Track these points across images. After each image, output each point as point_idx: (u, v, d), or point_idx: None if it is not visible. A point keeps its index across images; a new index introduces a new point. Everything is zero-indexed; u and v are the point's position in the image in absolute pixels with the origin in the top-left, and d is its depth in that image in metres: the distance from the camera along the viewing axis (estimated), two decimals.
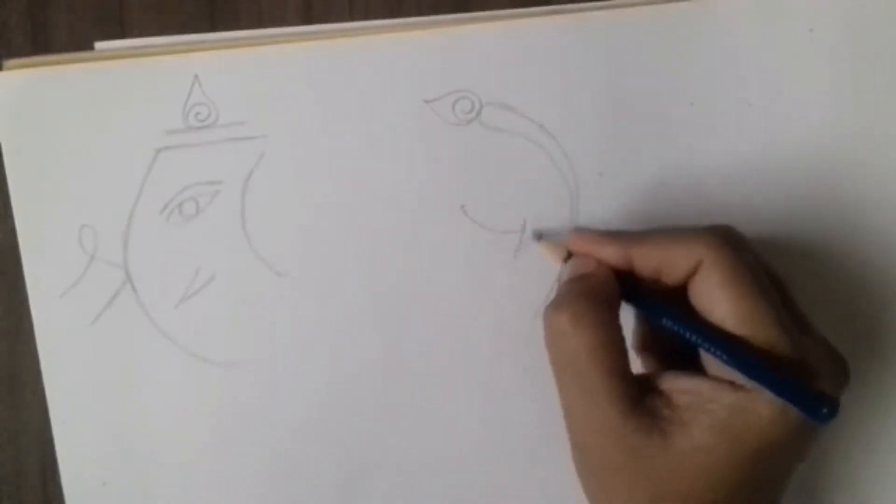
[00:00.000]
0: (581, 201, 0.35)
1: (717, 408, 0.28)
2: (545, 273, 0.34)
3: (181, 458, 0.34)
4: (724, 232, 0.30)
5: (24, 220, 0.33)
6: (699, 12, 0.35)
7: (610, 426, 0.28)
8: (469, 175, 0.34)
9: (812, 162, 0.35)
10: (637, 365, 0.32)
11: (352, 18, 0.35)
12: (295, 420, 0.34)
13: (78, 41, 0.35)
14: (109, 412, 0.34)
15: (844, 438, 0.36)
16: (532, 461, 0.35)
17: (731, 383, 0.28)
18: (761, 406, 0.27)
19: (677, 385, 0.29)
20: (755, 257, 0.30)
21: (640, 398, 0.29)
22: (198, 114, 0.34)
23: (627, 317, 0.31)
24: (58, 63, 0.33)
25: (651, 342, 0.32)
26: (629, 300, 0.30)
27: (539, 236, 0.34)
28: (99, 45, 0.34)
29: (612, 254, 0.30)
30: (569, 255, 0.32)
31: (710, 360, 0.29)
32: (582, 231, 0.32)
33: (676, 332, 0.29)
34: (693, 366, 0.30)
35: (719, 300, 0.28)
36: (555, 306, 0.30)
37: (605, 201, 0.35)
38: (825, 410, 0.27)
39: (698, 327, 0.29)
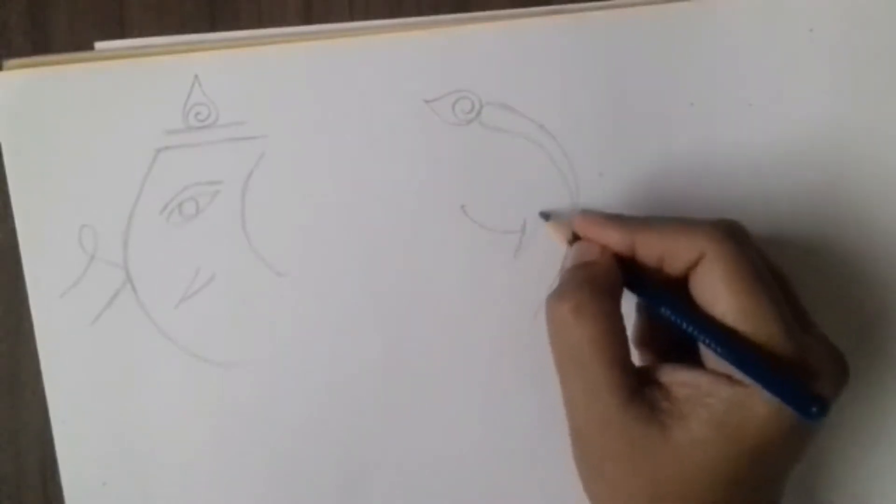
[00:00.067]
0: (581, 201, 0.35)
1: (714, 402, 0.28)
2: (545, 273, 0.34)
3: (181, 458, 0.34)
4: (728, 226, 0.30)
5: (24, 220, 0.33)
6: (699, 12, 0.35)
7: (609, 416, 0.28)
8: (469, 175, 0.34)
9: (812, 162, 0.35)
10: (636, 359, 0.32)
11: (352, 18, 0.35)
12: (295, 420, 0.34)
13: (78, 41, 0.35)
14: (109, 412, 0.34)
15: (844, 438, 0.36)
16: (532, 461, 0.35)
17: (729, 377, 0.28)
18: (758, 403, 0.27)
19: (676, 378, 0.29)
20: (758, 252, 0.30)
21: (640, 389, 0.29)
22: (198, 114, 0.34)
23: (628, 310, 0.31)
24: (58, 63, 0.33)
25: (650, 337, 0.32)
26: (631, 288, 0.30)
27: (547, 216, 0.34)
28: (99, 45, 0.34)
29: (616, 239, 0.30)
30: (574, 238, 0.32)
31: (708, 354, 0.29)
32: (587, 214, 0.32)
33: (675, 323, 0.29)
34: (692, 360, 0.30)
35: (721, 294, 0.28)
36: (558, 295, 0.30)
37: (605, 201, 0.35)
38: (815, 409, 0.27)
39: (697, 320, 0.29)
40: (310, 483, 0.34)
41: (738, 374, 0.28)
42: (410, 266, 0.34)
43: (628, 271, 0.30)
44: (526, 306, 0.34)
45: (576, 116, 0.35)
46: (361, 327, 0.34)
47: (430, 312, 0.35)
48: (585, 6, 0.35)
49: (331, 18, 0.35)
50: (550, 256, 0.34)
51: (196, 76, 0.33)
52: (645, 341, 0.32)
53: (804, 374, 0.28)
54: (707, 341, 0.28)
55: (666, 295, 0.30)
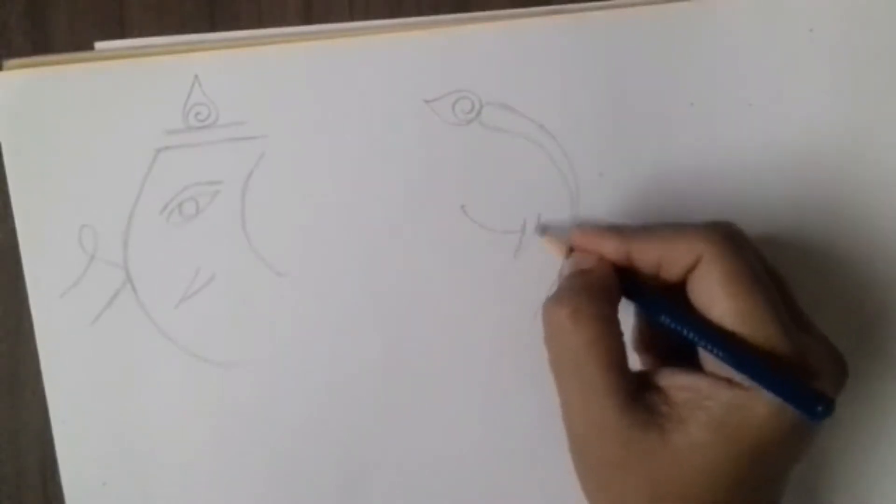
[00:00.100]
0: (581, 201, 0.35)
1: (713, 405, 0.28)
2: (545, 273, 0.34)
3: (181, 458, 0.34)
4: (724, 228, 0.30)
5: (24, 220, 0.33)
6: (699, 12, 0.35)
7: (607, 421, 0.28)
8: (469, 175, 0.34)
9: (812, 162, 0.35)
10: (635, 363, 0.32)
11: (352, 18, 0.35)
12: (295, 420, 0.34)
13: (78, 41, 0.35)
14: (109, 412, 0.34)
15: (844, 438, 0.36)
16: (532, 461, 0.35)
17: (729, 381, 0.28)
18: (758, 404, 0.27)
19: (675, 381, 0.29)
20: (755, 254, 0.30)
21: (638, 394, 0.29)
22: (198, 114, 0.34)
23: (627, 315, 0.31)
24: (58, 63, 0.33)
25: (650, 341, 0.32)
26: (629, 296, 0.31)
27: (543, 230, 0.34)
28: (99, 45, 0.34)
29: (612, 248, 0.31)
30: (571, 251, 0.32)
31: (707, 358, 0.29)
32: (583, 226, 0.32)
33: (674, 329, 0.29)
34: (692, 363, 0.30)
35: (718, 297, 0.28)
36: (555, 301, 0.30)
37: (605, 201, 0.35)
38: (820, 408, 0.27)
39: (696, 324, 0.29)
40: (310, 483, 0.34)
41: (738, 376, 0.28)
42: (410, 266, 0.34)
43: (625, 280, 0.30)
44: (526, 306, 0.34)
45: (576, 116, 0.35)
46: (361, 327, 0.34)
47: (430, 312, 0.35)
48: (585, 6, 0.35)
49: (331, 18, 0.35)
50: (550, 257, 0.34)
51: (196, 76, 0.33)
52: (645, 345, 0.32)
53: (804, 374, 0.28)
54: (707, 345, 0.28)
55: (663, 301, 0.30)
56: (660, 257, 0.30)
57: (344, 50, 0.34)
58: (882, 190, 0.35)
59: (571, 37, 0.35)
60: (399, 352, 0.34)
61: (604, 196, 0.35)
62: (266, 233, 0.34)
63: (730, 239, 0.29)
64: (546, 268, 0.34)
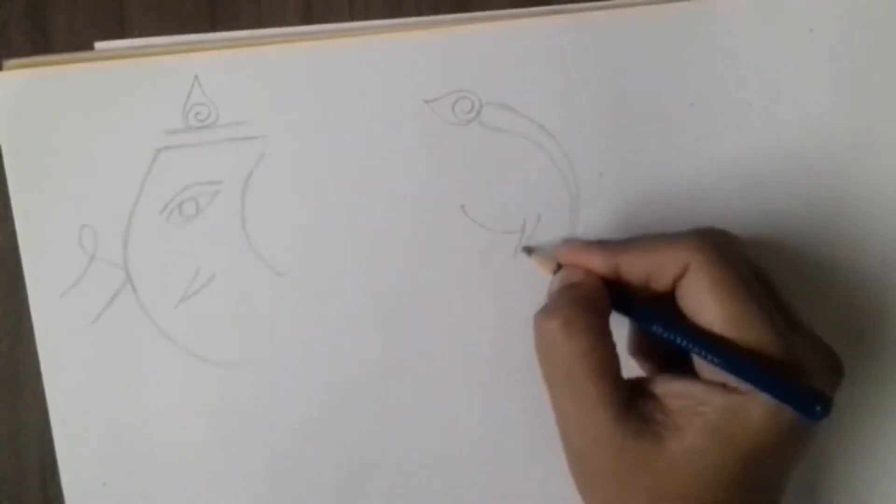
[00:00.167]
0: (581, 201, 0.35)
1: (708, 410, 0.28)
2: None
3: (181, 458, 0.34)
4: (710, 235, 0.30)
5: (24, 220, 0.33)
6: (699, 12, 0.35)
7: (602, 431, 0.28)
8: (469, 175, 0.34)
9: (812, 162, 0.35)
10: (631, 370, 0.32)
11: (352, 18, 0.35)
12: (295, 420, 0.34)
13: (78, 41, 0.35)
14: (109, 412, 0.34)
15: (844, 438, 0.36)
16: (532, 461, 0.35)
17: (723, 386, 0.28)
18: (754, 408, 0.27)
19: (669, 389, 0.29)
20: (742, 258, 0.30)
21: (633, 403, 0.29)
22: (198, 114, 0.34)
23: (622, 323, 0.31)
24: (58, 63, 0.33)
25: (647, 346, 0.32)
26: (619, 309, 0.31)
27: (529, 251, 0.34)
28: (99, 45, 0.34)
29: (599, 263, 0.31)
30: (559, 267, 0.32)
31: (702, 364, 0.29)
32: (570, 242, 0.32)
33: (667, 339, 0.29)
34: (688, 368, 0.30)
35: (707, 303, 0.28)
36: (546, 313, 0.30)
37: (605, 201, 0.35)
38: (818, 408, 0.27)
39: (688, 331, 0.29)
40: (310, 483, 0.34)
41: (733, 381, 0.28)
42: (410, 266, 0.34)
43: (615, 293, 0.30)
44: (526, 306, 0.34)
45: (576, 116, 0.35)
46: (361, 327, 0.34)
47: (430, 312, 0.34)
48: (585, 6, 0.35)
49: (331, 18, 0.35)
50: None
51: (196, 76, 0.33)
52: (642, 350, 0.32)
53: (798, 375, 0.28)
54: (700, 352, 0.28)
55: (653, 311, 0.30)
56: (647, 269, 0.30)
57: (344, 50, 0.34)
58: (882, 190, 0.35)
59: (571, 37, 0.35)
60: (399, 352, 0.34)
61: (604, 196, 0.35)
62: (266, 233, 0.34)
63: (715, 245, 0.29)
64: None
